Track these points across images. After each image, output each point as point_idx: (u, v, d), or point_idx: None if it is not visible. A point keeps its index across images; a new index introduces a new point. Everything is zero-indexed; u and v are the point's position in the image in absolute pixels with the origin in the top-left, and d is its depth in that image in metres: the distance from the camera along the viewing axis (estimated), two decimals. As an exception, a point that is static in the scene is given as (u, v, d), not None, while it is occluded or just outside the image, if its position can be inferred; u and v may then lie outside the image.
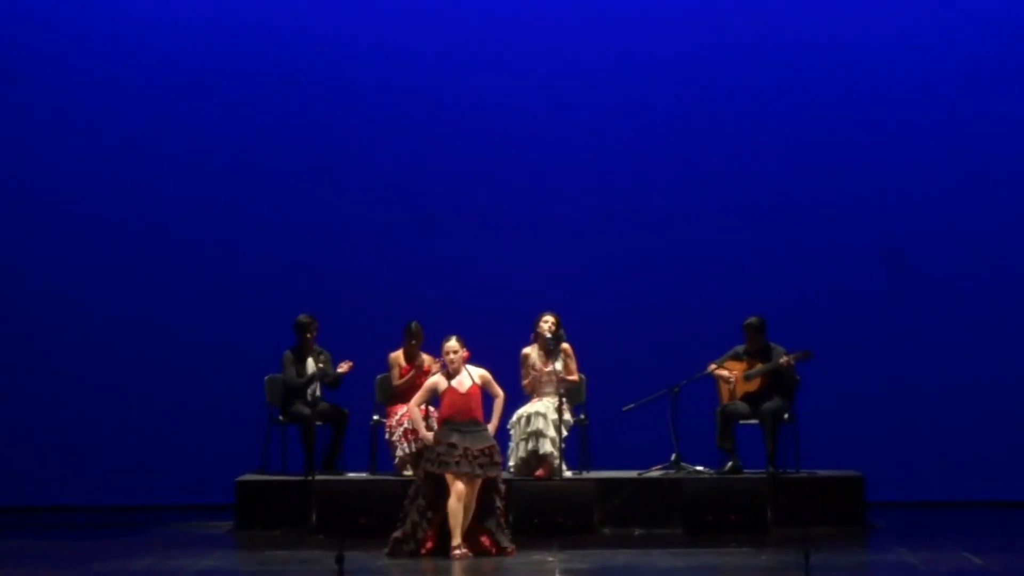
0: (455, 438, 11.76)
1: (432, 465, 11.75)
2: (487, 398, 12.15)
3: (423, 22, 15.80)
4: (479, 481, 11.75)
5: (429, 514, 11.77)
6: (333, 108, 15.75)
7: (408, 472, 13.53)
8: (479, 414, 11.98)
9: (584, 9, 15.80)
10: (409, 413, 12.60)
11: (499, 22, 15.80)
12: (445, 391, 12.00)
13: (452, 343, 12.01)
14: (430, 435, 12.04)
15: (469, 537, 11.77)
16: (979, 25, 15.63)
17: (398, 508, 12.30)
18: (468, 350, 12.06)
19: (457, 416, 11.88)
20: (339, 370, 13.84)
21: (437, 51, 15.76)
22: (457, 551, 11.63)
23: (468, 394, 11.96)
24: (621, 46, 15.73)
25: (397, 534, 11.81)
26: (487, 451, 11.82)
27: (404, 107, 15.74)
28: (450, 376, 11.97)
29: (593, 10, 15.79)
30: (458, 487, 11.65)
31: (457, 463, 11.67)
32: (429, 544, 11.76)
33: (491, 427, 12.05)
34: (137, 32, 15.78)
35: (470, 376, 12.01)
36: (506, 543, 11.86)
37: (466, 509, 11.70)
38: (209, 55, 15.77)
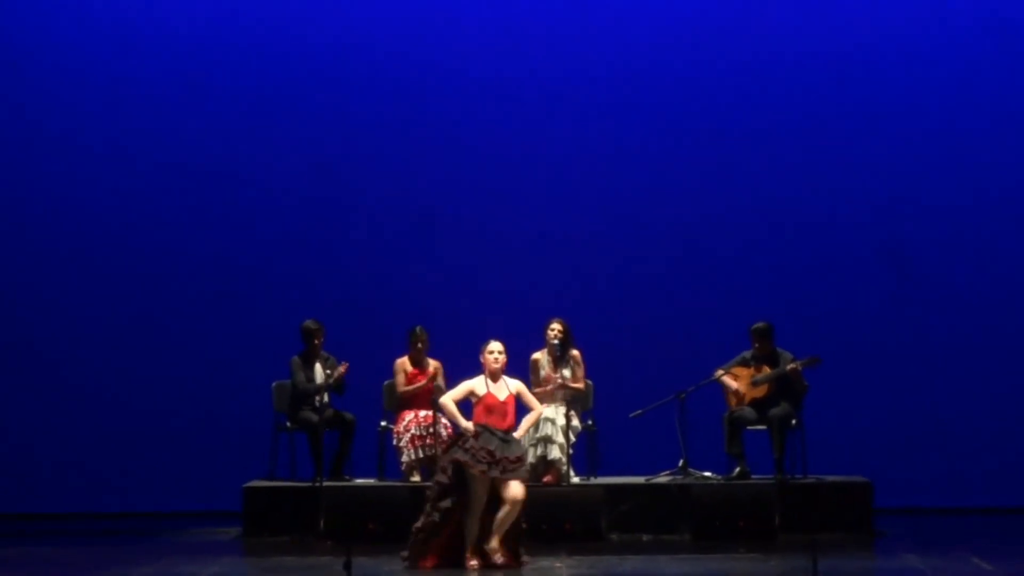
0: (495, 445, 11.46)
1: (465, 455, 11.36)
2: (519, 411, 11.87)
3: (430, 26, 15.79)
4: (492, 483, 11.49)
5: (450, 507, 11.39)
6: (339, 112, 15.75)
7: (416, 478, 13.54)
8: (514, 424, 11.71)
9: (594, 15, 15.79)
10: (443, 407, 11.86)
11: (507, 26, 15.79)
12: (483, 396, 11.65)
13: (496, 344, 11.71)
14: (470, 424, 11.55)
15: (482, 549, 11.55)
16: (980, 27, 15.62)
17: (406, 514, 12.28)
18: (506, 356, 11.80)
19: (494, 422, 11.58)
20: (338, 371, 13.80)
21: (447, 58, 15.74)
22: (473, 561, 11.43)
23: (505, 402, 11.67)
24: (625, 53, 15.72)
25: (417, 524, 11.48)
26: (519, 459, 11.58)
27: (410, 112, 15.73)
28: (491, 380, 11.68)
29: (603, 16, 15.78)
30: (479, 496, 11.40)
31: (489, 466, 11.38)
32: (436, 554, 11.47)
33: (517, 435, 11.75)
34: (140, 38, 15.77)
35: (507, 386, 11.78)
36: (523, 554, 11.67)
37: (482, 518, 11.44)
38: (213, 61, 15.77)
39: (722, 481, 13.51)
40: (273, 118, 15.75)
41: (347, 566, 10.13)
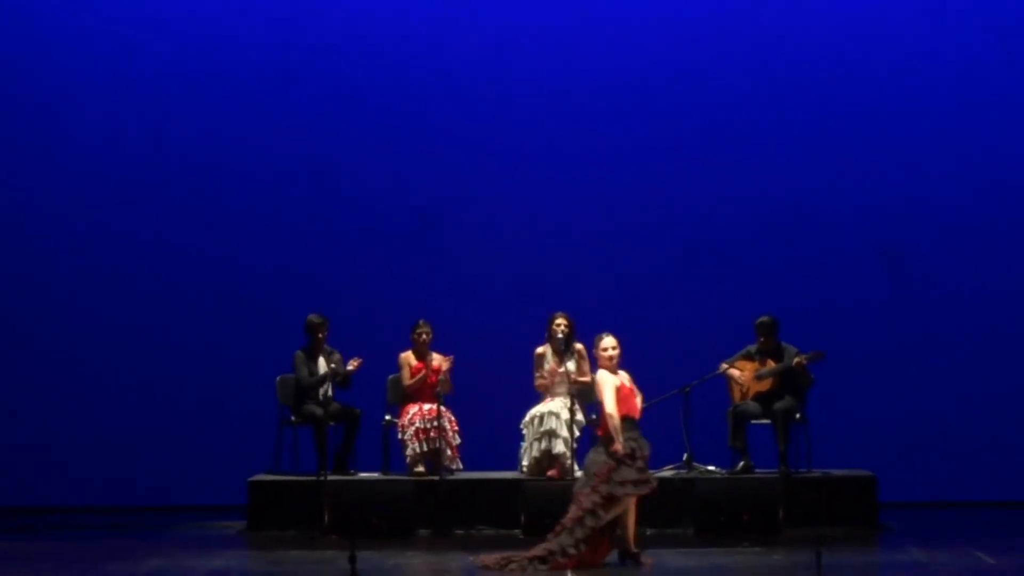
0: (647, 448, 11.31)
1: (635, 488, 11.20)
2: None
3: (433, 26, 15.80)
4: None
5: (585, 537, 11.20)
6: (342, 108, 15.75)
7: (420, 470, 13.55)
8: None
9: (597, 13, 15.79)
10: (612, 419, 11.25)
11: (510, 24, 15.80)
12: (620, 387, 11.38)
13: (610, 339, 11.46)
14: (621, 446, 11.25)
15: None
16: (980, 27, 15.61)
17: (411, 508, 12.26)
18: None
19: (631, 414, 11.39)
20: (348, 367, 13.83)
21: (449, 53, 15.75)
22: (641, 557, 11.35)
23: (633, 389, 11.52)
24: (628, 52, 15.72)
25: (546, 548, 11.15)
26: (647, 456, 11.46)
27: (413, 107, 15.74)
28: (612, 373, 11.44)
29: (606, 15, 15.79)
30: (628, 505, 11.31)
31: (646, 484, 11.30)
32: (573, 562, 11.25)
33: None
34: (140, 37, 15.77)
35: (622, 375, 11.56)
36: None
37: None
38: (214, 60, 15.76)
39: (726, 475, 13.52)
40: (276, 115, 15.74)
41: (352, 560, 10.15)
